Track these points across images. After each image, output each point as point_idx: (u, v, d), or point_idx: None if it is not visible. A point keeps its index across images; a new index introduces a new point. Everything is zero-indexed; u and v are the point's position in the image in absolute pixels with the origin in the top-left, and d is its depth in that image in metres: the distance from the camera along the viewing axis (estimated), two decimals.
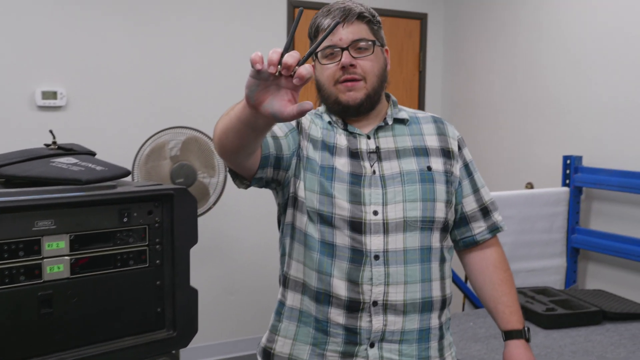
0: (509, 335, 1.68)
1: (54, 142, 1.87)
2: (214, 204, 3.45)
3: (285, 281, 1.68)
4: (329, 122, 1.66)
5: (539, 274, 3.55)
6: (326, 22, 1.59)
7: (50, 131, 1.86)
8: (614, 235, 3.43)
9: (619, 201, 3.49)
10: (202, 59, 3.97)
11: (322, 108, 1.72)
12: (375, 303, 1.53)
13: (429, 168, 1.62)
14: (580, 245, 3.61)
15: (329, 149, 1.62)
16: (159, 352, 1.76)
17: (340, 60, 1.55)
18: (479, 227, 1.73)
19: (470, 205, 1.71)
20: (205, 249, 4.05)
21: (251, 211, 4.16)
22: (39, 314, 1.59)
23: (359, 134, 1.63)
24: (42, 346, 1.60)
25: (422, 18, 4.72)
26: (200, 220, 3.71)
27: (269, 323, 1.71)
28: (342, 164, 1.59)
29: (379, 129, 1.64)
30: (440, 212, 1.60)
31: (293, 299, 1.64)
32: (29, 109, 3.49)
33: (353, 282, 1.54)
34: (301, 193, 1.60)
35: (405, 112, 1.71)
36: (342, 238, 1.55)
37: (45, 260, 1.60)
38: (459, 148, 1.72)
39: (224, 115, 1.43)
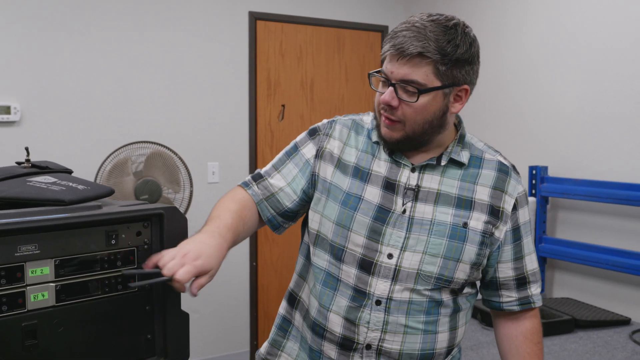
0: None
1: (28, 160, 1.74)
2: (186, 220, 3.34)
3: (293, 300, 1.61)
4: (376, 142, 1.54)
5: None
6: (386, 46, 1.43)
7: (26, 148, 1.74)
8: (580, 244, 3.48)
9: (585, 210, 3.54)
10: (163, 72, 3.87)
11: (370, 120, 1.60)
12: (369, 346, 1.46)
13: (465, 224, 1.47)
14: (547, 254, 3.65)
15: (362, 175, 1.50)
16: None
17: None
18: (508, 297, 1.59)
19: (505, 272, 1.56)
20: None
21: None
22: (23, 345, 1.46)
23: (404, 164, 1.50)
24: None
25: (382, 30, 4.73)
26: None
27: (270, 335, 1.66)
28: (373, 194, 1.48)
29: (428, 165, 1.50)
30: (461, 273, 1.48)
31: (299, 321, 1.58)
32: None
33: (350, 321, 1.46)
34: (314, 223, 1.53)
35: (467, 153, 1.53)
36: (348, 275, 1.47)
37: (29, 287, 1.47)
38: (514, 208, 1.53)
39: (224, 204, 1.57)
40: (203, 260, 1.36)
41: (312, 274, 1.55)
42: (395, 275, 1.44)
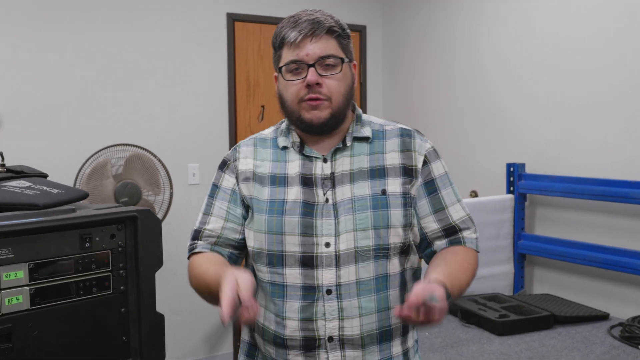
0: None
1: (2, 165, 1.75)
2: (161, 222, 3.34)
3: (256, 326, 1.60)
4: (284, 147, 1.58)
5: (488, 280, 3.59)
6: (292, 34, 1.49)
7: (0, 153, 1.74)
8: (558, 240, 3.51)
9: (562, 206, 3.57)
10: (142, 74, 3.87)
11: (272, 131, 1.64)
12: (330, 339, 1.48)
13: (384, 192, 1.52)
14: (526, 250, 3.68)
15: (280, 181, 1.55)
16: None
17: (305, 77, 1.48)
18: (440, 245, 1.57)
19: (430, 225, 1.56)
20: None
21: None
22: None
23: (315, 157, 1.55)
24: None
25: (360, 30, 4.75)
26: None
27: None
28: (295, 193, 1.52)
29: (337, 150, 1.55)
30: (396, 237, 1.51)
31: (260, 341, 1.58)
32: None
33: (306, 319, 1.48)
34: (249, 241, 1.55)
35: (369, 128, 1.60)
36: (294, 277, 1.49)
37: (3, 291, 1.48)
38: (425, 163, 1.57)
39: (199, 271, 1.51)
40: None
41: (260, 291, 1.56)
42: (337, 261, 1.47)
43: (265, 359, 1.57)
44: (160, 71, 3.93)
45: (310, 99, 1.48)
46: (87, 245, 1.59)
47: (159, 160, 3.30)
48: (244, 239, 1.58)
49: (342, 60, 1.50)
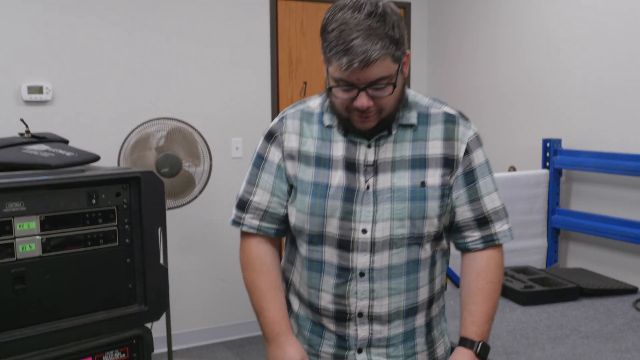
0: (461, 342, 1.60)
1: (28, 131, 1.96)
2: (200, 192, 3.54)
3: (286, 282, 1.74)
4: (329, 126, 1.58)
5: (520, 254, 3.62)
6: (344, 60, 1.37)
7: (22, 120, 1.95)
8: (593, 215, 3.50)
9: (598, 182, 3.55)
10: (185, 53, 4.06)
11: (319, 104, 1.62)
12: (360, 314, 1.57)
13: (423, 184, 1.53)
14: (560, 225, 3.68)
15: (324, 163, 1.56)
16: (131, 325, 1.85)
17: (355, 97, 1.43)
18: (471, 237, 1.62)
19: (464, 214, 1.60)
20: (193, 236, 4.15)
21: None
22: (13, 289, 1.68)
23: (359, 142, 1.55)
24: (17, 319, 1.70)
25: (405, 7, 4.79)
26: (186, 208, 3.81)
27: None
28: (338, 178, 1.55)
29: (381, 137, 1.54)
30: (431, 227, 1.55)
31: (294, 302, 1.71)
32: (16, 104, 3.59)
33: (339, 295, 1.57)
34: (292, 217, 1.61)
35: (415, 112, 1.56)
36: (330, 255, 1.57)
37: (17, 239, 1.69)
38: (467, 152, 1.57)
39: (256, 285, 1.67)
40: None
41: (299, 260, 1.67)
42: (372, 247, 1.53)
43: (297, 318, 1.70)
44: (205, 49, 4.11)
45: (360, 115, 1.47)
46: (93, 201, 1.78)
47: (199, 134, 3.49)
48: (287, 214, 1.64)
49: (396, 76, 1.44)
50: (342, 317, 1.58)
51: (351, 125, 1.51)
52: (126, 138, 3.39)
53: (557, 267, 3.62)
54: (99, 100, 3.83)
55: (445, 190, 1.55)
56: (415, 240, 1.54)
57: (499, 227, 1.61)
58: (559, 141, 3.71)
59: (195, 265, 4.18)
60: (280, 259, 1.74)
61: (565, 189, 3.75)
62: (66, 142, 2.01)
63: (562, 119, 3.77)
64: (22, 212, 1.67)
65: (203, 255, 4.22)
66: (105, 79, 3.84)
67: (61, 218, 1.73)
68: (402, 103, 1.53)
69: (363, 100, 1.43)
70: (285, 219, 1.65)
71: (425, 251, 1.58)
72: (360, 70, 1.38)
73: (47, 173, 1.72)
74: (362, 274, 1.54)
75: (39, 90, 3.61)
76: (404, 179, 1.52)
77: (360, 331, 1.58)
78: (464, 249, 1.65)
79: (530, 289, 3.01)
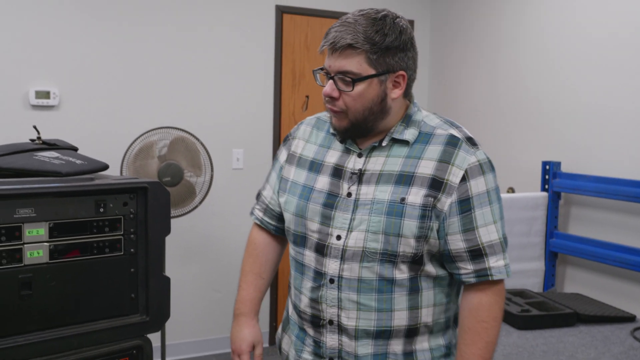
0: None
1: (39, 138, 1.97)
2: (200, 202, 3.55)
3: (289, 287, 1.78)
4: (332, 134, 1.62)
5: (517, 276, 3.62)
6: (323, 41, 1.50)
7: (34, 127, 1.97)
8: (591, 240, 3.50)
9: (597, 207, 3.57)
10: (190, 63, 4.08)
11: None
12: (331, 322, 1.58)
13: (403, 200, 1.50)
14: (558, 249, 3.69)
15: (316, 167, 1.62)
16: (132, 335, 1.86)
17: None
18: (464, 269, 1.54)
19: (455, 244, 1.52)
20: (192, 247, 4.15)
21: (237, 210, 4.26)
22: (19, 295, 1.69)
23: (352, 151, 1.58)
24: (22, 325, 1.71)
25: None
26: (186, 218, 3.82)
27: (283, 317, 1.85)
28: (323, 182, 1.59)
29: (374, 147, 1.56)
30: (406, 247, 1.50)
31: (289, 305, 1.76)
32: (23, 108, 3.60)
33: (314, 300, 1.60)
34: (284, 217, 1.69)
35: (414, 130, 1.56)
36: (309, 259, 1.60)
37: (25, 245, 1.70)
38: (463, 179, 1.51)
39: (244, 269, 1.82)
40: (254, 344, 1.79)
41: (291, 263, 1.73)
42: (343, 255, 1.53)
43: (289, 321, 1.75)
44: (210, 60, 4.13)
45: (331, 108, 1.54)
46: (101, 210, 1.79)
47: (202, 144, 3.50)
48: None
49: (364, 77, 1.47)
50: (316, 322, 1.61)
51: (333, 125, 1.57)
52: (130, 146, 3.40)
53: (554, 292, 3.62)
54: (104, 106, 3.84)
55: (427, 212, 1.49)
56: (389, 257, 1.51)
57: (493, 262, 1.53)
58: (558, 164, 3.73)
59: (191, 275, 4.18)
60: (281, 255, 1.86)
61: (563, 212, 3.76)
62: (76, 149, 2.03)
63: (562, 142, 3.79)
64: (32, 218, 1.68)
65: (199, 266, 4.22)
66: (111, 86, 3.85)
67: (69, 225, 1.75)
68: (380, 116, 1.52)
69: (327, 87, 1.50)
70: (282, 218, 1.73)
71: (401, 272, 1.52)
72: (331, 55, 1.48)
73: (58, 180, 1.74)
74: (332, 281, 1.55)
75: (46, 95, 3.63)
76: (385, 192, 1.51)
77: (330, 340, 1.59)
78: (458, 281, 1.59)
79: (527, 313, 2.99)
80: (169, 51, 4.00)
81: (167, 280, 1.90)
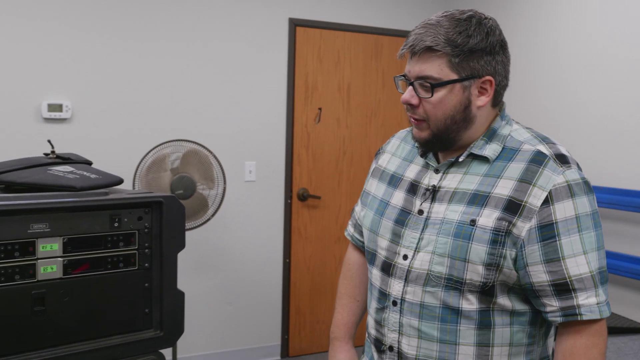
0: None
1: (53, 152, 1.98)
2: (213, 215, 3.55)
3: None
4: (417, 147, 1.53)
5: None
6: (401, 47, 1.41)
7: (49, 141, 1.97)
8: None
9: (610, 218, 3.55)
10: (203, 76, 4.09)
11: None
12: (391, 348, 1.48)
13: (473, 222, 1.35)
14: None
15: (395, 181, 1.54)
16: (146, 351, 1.85)
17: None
18: (550, 306, 1.35)
19: (538, 276, 1.34)
20: (204, 259, 4.15)
21: (249, 223, 4.25)
22: (32, 311, 1.69)
23: (431, 166, 1.48)
24: (35, 341, 1.71)
25: None
26: (198, 231, 3.82)
27: None
28: (398, 198, 1.50)
29: (452, 163, 1.44)
30: (474, 274, 1.35)
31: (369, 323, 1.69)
32: (36, 121, 3.62)
33: (377, 322, 1.52)
34: (362, 229, 1.64)
35: (496, 146, 1.42)
36: (376, 277, 1.53)
37: (39, 261, 1.70)
38: (546, 202, 1.32)
39: (339, 292, 1.77)
40: None
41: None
42: (407, 276, 1.43)
43: (367, 342, 1.67)
44: (223, 73, 4.14)
45: (412, 117, 1.43)
46: (116, 224, 1.79)
47: (214, 157, 3.51)
48: None
49: (444, 82, 1.35)
50: (378, 346, 1.52)
51: (414, 137, 1.48)
52: (143, 158, 3.40)
53: None
54: (117, 119, 3.85)
55: (499, 237, 1.33)
56: (454, 284, 1.37)
57: (582, 299, 1.32)
58: None
59: (203, 288, 4.18)
60: None
61: None
62: (90, 163, 2.03)
63: (573, 153, 3.71)
64: (46, 233, 1.68)
65: (211, 279, 4.21)
66: (124, 99, 3.87)
67: (83, 240, 1.75)
68: (463, 126, 1.40)
69: (406, 94, 1.39)
70: None
71: (469, 303, 1.38)
72: (410, 60, 1.38)
73: (72, 195, 1.74)
74: (394, 303, 1.45)
75: (59, 108, 3.64)
76: (456, 212, 1.38)
77: None
78: (546, 319, 1.40)
79: None
80: (182, 64, 4.01)
81: (182, 295, 1.89)
